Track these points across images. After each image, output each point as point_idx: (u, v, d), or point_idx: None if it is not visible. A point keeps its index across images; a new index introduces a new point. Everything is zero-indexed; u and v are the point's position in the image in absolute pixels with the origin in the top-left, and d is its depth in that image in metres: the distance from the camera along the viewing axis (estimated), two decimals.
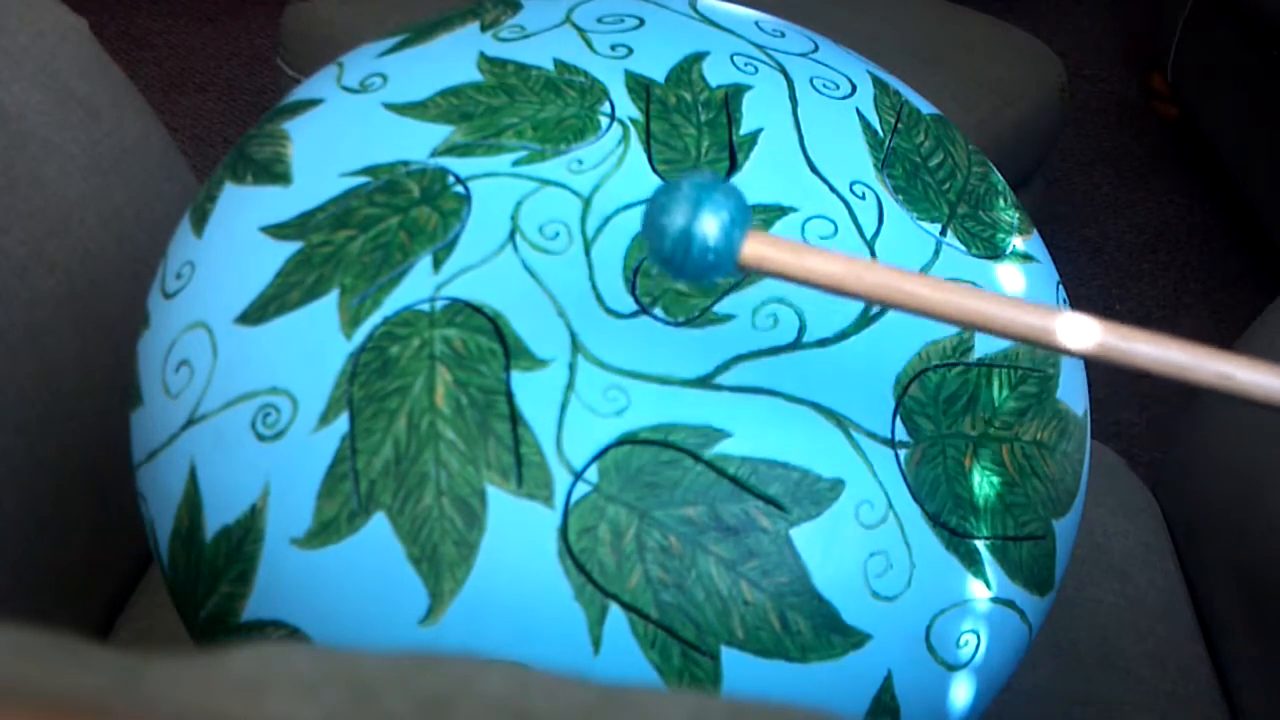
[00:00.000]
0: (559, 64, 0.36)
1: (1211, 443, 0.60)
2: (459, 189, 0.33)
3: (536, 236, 0.32)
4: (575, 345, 0.31)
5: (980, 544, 0.33)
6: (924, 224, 0.35)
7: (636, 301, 0.32)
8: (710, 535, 0.30)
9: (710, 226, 0.26)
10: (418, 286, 0.31)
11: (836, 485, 0.31)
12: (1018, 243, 0.38)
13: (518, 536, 0.30)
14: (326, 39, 1.03)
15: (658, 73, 0.36)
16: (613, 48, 0.37)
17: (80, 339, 0.50)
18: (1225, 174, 1.43)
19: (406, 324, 0.31)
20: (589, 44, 0.37)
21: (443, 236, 0.32)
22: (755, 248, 0.26)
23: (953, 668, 0.33)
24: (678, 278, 0.27)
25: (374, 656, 0.16)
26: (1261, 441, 0.55)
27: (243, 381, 0.32)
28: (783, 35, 0.40)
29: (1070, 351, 0.25)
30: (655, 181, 0.33)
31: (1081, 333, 0.25)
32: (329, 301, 0.32)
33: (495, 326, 0.31)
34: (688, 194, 0.26)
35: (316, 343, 0.31)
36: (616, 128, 0.34)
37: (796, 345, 0.32)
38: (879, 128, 0.37)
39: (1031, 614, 0.35)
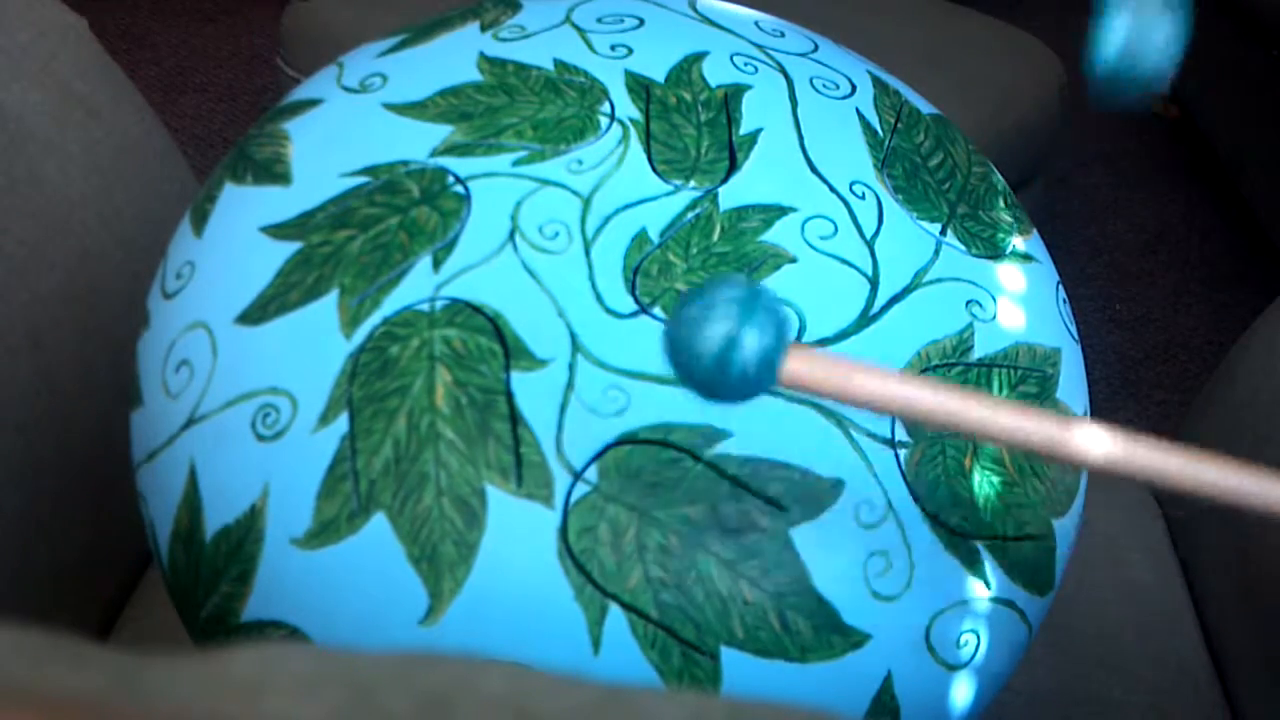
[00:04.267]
0: (559, 64, 0.36)
1: (1211, 442, 0.60)
2: (459, 189, 0.33)
3: (536, 236, 0.32)
4: (575, 345, 0.31)
5: (980, 544, 0.33)
6: (924, 224, 0.35)
7: (636, 301, 0.32)
8: (710, 535, 0.30)
9: (751, 349, 0.22)
10: (417, 286, 0.31)
11: (836, 485, 0.31)
12: (1018, 243, 0.38)
13: (517, 536, 0.30)
14: (326, 39, 1.03)
15: (657, 73, 0.36)
16: (612, 48, 0.37)
17: (80, 339, 0.50)
18: (1225, 174, 1.43)
19: (406, 324, 0.31)
20: (589, 44, 0.37)
21: (442, 236, 0.32)
22: (798, 367, 0.23)
23: (953, 668, 0.33)
24: (707, 399, 0.24)
25: (374, 656, 0.16)
26: (1261, 441, 0.55)
27: (242, 381, 0.32)
28: (783, 35, 0.40)
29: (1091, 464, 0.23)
30: (655, 181, 0.33)
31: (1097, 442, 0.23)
32: (329, 301, 0.32)
33: (495, 326, 0.31)
34: (725, 310, 0.22)
35: (316, 343, 0.31)
36: (616, 128, 0.34)
37: None
38: (879, 128, 0.37)
39: (1031, 614, 0.35)
